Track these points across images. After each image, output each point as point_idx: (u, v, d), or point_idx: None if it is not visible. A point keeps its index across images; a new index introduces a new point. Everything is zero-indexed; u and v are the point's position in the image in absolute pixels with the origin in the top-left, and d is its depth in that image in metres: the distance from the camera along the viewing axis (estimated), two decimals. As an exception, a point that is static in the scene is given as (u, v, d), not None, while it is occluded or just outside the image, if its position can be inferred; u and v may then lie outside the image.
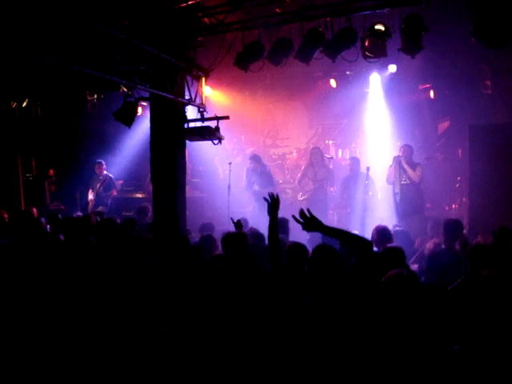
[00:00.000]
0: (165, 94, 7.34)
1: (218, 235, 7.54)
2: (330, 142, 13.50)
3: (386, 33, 6.51)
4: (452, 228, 6.04)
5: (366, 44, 6.73)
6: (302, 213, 3.59)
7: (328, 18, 6.70)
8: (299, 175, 11.12)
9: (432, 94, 11.52)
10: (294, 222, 3.70)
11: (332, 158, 11.90)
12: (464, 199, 9.86)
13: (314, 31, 6.77)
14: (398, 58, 7.75)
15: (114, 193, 11.21)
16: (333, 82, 11.83)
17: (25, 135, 10.65)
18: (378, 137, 11.78)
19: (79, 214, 10.51)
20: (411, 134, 11.60)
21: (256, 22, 7.12)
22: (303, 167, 11.13)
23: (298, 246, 4.87)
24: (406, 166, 9.20)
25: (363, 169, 9.90)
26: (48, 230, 6.96)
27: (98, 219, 7.33)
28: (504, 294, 3.39)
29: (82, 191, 11.54)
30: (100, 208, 10.67)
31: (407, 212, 9.06)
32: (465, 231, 9.11)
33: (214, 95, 10.32)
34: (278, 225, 4.62)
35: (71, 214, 9.33)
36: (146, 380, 3.25)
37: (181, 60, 7.62)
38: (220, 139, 8.07)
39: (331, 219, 10.58)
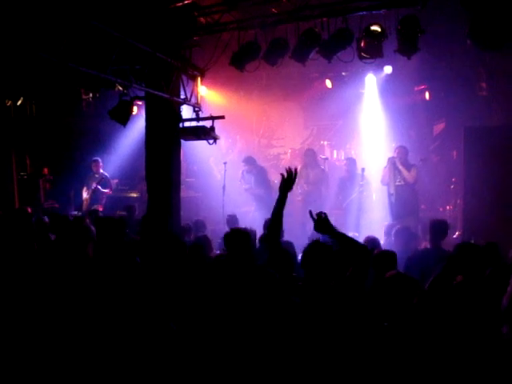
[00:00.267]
0: (160, 94, 7.33)
1: (210, 234, 7.58)
2: (325, 142, 13.47)
3: (382, 34, 6.51)
4: (438, 228, 6.07)
5: (362, 45, 6.74)
6: (318, 214, 3.77)
7: (324, 19, 6.69)
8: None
9: (427, 95, 11.53)
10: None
11: (327, 158, 11.87)
12: (459, 201, 9.88)
13: (310, 31, 6.77)
14: (394, 59, 7.76)
15: (109, 192, 11.17)
16: (328, 83, 11.82)
17: (19, 133, 10.62)
18: (373, 138, 11.76)
19: (74, 212, 10.50)
20: (406, 135, 11.59)
21: (252, 22, 7.11)
22: (298, 169, 11.09)
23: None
24: (400, 167, 9.20)
25: (359, 170, 9.91)
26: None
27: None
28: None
29: (77, 190, 11.49)
30: (95, 206, 10.63)
31: (402, 213, 9.05)
32: (459, 232, 9.20)
33: (209, 95, 10.31)
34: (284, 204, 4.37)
35: (66, 213, 9.28)
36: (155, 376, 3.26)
37: (176, 59, 7.61)
38: (215, 139, 8.06)
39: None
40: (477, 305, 3.63)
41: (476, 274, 4.07)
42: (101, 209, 10.38)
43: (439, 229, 6.05)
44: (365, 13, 6.53)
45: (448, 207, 10.82)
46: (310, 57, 7.06)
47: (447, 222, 6.29)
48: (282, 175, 4.35)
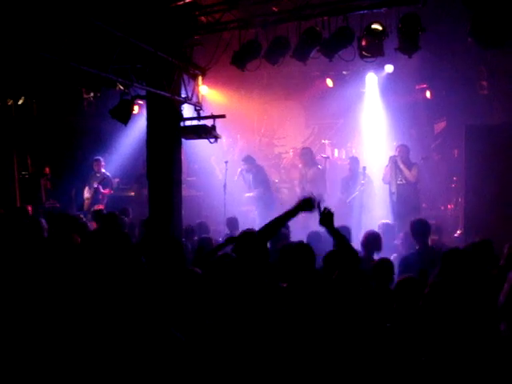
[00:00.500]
0: (161, 93, 7.33)
1: (212, 234, 7.60)
2: (326, 141, 13.48)
3: (383, 32, 6.49)
4: (418, 228, 6.07)
5: (363, 43, 6.73)
6: (325, 208, 3.99)
7: (325, 17, 6.69)
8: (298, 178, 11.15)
9: (428, 94, 11.54)
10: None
11: (328, 157, 11.88)
12: (460, 199, 9.88)
13: (311, 30, 6.76)
14: (395, 57, 7.76)
15: (110, 191, 11.17)
16: (329, 82, 11.84)
17: (21, 133, 10.63)
18: (374, 137, 11.77)
19: (77, 213, 10.49)
20: (407, 133, 11.60)
21: (253, 21, 7.11)
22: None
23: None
24: (402, 166, 9.21)
25: (360, 168, 9.91)
26: None
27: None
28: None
29: (78, 189, 11.50)
30: (96, 206, 10.63)
31: (403, 212, 9.04)
32: (460, 231, 9.21)
33: (210, 94, 10.30)
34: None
35: (67, 212, 9.28)
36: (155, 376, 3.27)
37: (177, 58, 7.60)
38: (216, 138, 8.05)
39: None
40: (475, 303, 3.63)
41: (466, 276, 4.10)
42: (102, 207, 10.39)
43: (420, 228, 6.06)
44: (366, 11, 6.52)
45: (449, 206, 10.83)
46: (311, 56, 7.05)
47: (426, 220, 6.29)
48: (305, 197, 4.42)
